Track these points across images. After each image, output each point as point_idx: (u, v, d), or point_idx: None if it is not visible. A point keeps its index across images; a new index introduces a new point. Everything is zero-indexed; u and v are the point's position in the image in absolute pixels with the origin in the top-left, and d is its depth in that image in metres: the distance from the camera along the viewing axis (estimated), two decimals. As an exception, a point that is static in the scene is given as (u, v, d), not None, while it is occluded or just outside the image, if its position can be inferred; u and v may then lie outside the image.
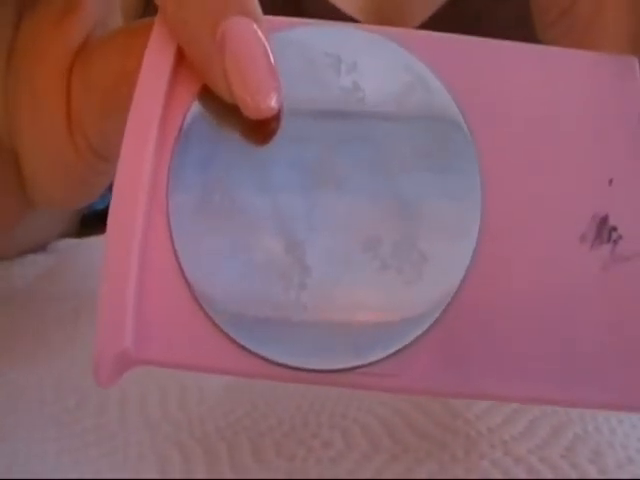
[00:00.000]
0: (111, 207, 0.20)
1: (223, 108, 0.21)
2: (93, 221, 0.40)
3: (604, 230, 0.21)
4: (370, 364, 0.19)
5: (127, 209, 0.19)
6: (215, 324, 0.19)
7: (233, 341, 0.19)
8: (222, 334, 0.19)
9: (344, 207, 0.20)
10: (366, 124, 0.21)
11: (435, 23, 0.51)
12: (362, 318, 0.19)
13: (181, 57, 0.21)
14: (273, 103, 0.20)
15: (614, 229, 0.21)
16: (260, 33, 0.20)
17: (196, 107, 0.21)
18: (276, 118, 0.21)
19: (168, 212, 0.20)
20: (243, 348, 0.19)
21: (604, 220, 0.21)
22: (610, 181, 0.21)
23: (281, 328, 0.19)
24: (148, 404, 0.26)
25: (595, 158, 0.21)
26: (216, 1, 0.20)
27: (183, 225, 0.20)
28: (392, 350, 0.19)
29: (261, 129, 0.21)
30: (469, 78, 0.22)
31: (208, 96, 0.21)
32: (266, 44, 0.20)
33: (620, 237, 0.20)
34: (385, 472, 0.22)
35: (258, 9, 0.21)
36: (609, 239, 0.20)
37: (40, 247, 0.38)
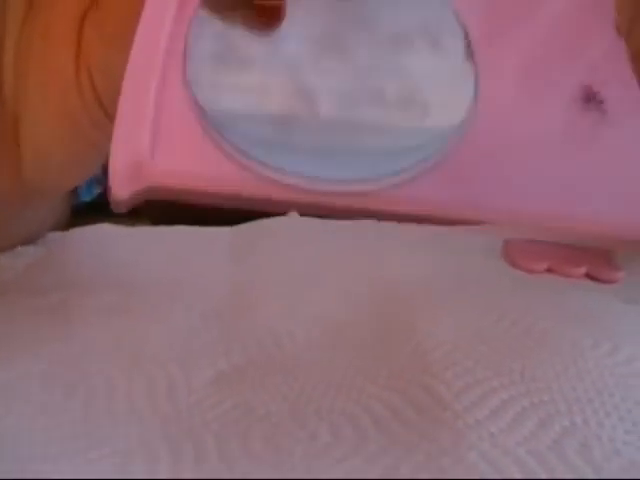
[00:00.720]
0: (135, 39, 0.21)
1: None
2: (81, 213, 0.40)
3: (590, 96, 0.22)
4: (379, 187, 0.20)
5: (149, 45, 0.21)
6: (225, 142, 0.20)
7: (242, 157, 0.20)
8: (232, 153, 0.20)
9: (349, 68, 0.21)
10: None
11: None
12: (370, 143, 0.21)
13: None
14: None
15: (598, 94, 0.22)
16: None
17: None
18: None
19: (185, 56, 0.21)
20: (251, 168, 0.20)
21: (589, 88, 0.22)
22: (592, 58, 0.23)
23: (292, 146, 0.21)
24: (135, 395, 0.26)
25: (579, 37, 0.23)
26: None
27: (199, 68, 0.21)
28: (400, 173, 0.20)
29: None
30: None
31: None
32: None
33: (602, 101, 0.22)
34: (372, 464, 0.22)
35: None
36: (597, 107, 0.22)
37: (32, 240, 0.38)
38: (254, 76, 0.21)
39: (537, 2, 0.23)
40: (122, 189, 0.20)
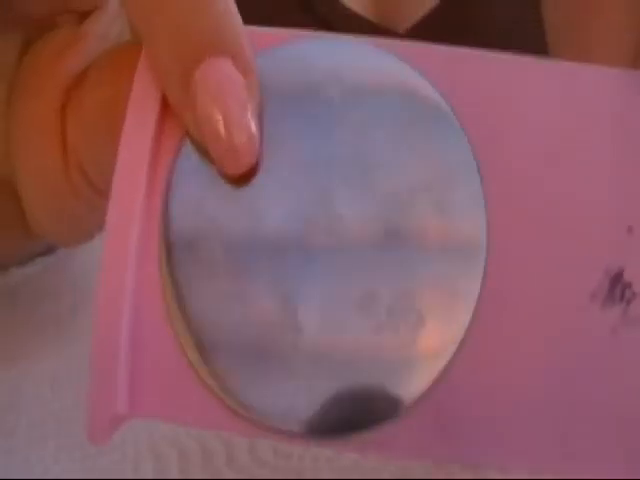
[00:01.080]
0: (104, 250, 0.19)
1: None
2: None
3: (617, 287, 0.18)
4: (362, 432, 0.18)
5: (119, 250, 0.19)
6: (209, 386, 0.18)
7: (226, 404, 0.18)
8: (215, 397, 0.18)
9: (341, 259, 0.19)
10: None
11: (426, 27, 0.50)
12: (353, 384, 0.18)
13: None
14: (245, 162, 0.19)
15: (628, 286, 0.18)
16: (237, 78, 0.19)
17: (185, 147, 0.20)
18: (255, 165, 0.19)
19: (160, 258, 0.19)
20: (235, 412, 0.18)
21: (618, 275, 0.18)
22: (629, 229, 0.19)
23: (271, 387, 0.18)
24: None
25: (614, 200, 0.19)
26: (186, 45, 0.19)
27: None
28: (383, 420, 0.18)
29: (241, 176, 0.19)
30: (476, 102, 0.19)
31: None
32: (244, 91, 0.19)
33: (634, 295, 0.18)
34: (382, 470, 0.23)
35: (237, 40, 0.19)
36: (622, 298, 0.18)
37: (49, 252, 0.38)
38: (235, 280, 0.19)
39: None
40: (99, 438, 0.19)
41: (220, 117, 0.19)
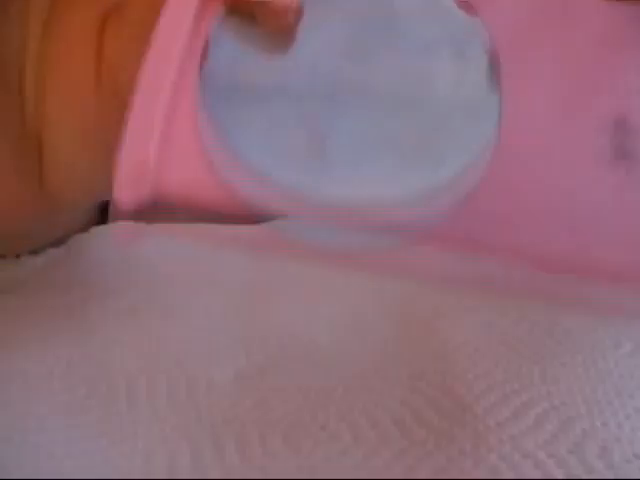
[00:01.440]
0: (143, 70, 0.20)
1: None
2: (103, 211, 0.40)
3: (621, 134, 0.20)
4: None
5: (159, 71, 0.20)
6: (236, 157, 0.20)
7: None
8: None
9: (365, 111, 0.20)
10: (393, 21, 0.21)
11: None
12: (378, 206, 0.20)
13: None
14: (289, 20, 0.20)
15: (633, 130, 0.20)
16: None
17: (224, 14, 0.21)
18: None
19: (200, 79, 0.20)
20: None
21: (622, 121, 0.20)
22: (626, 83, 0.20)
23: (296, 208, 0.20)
24: (157, 394, 0.26)
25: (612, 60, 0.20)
26: None
27: (212, 98, 0.20)
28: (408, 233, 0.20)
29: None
30: None
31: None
32: None
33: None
34: (393, 465, 0.23)
35: None
36: (626, 153, 0.20)
37: (59, 243, 0.38)
38: (267, 112, 0.20)
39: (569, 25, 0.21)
40: (125, 195, 0.19)
41: None
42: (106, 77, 0.25)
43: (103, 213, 0.40)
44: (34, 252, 0.35)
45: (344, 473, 0.22)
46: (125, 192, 0.19)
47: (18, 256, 0.35)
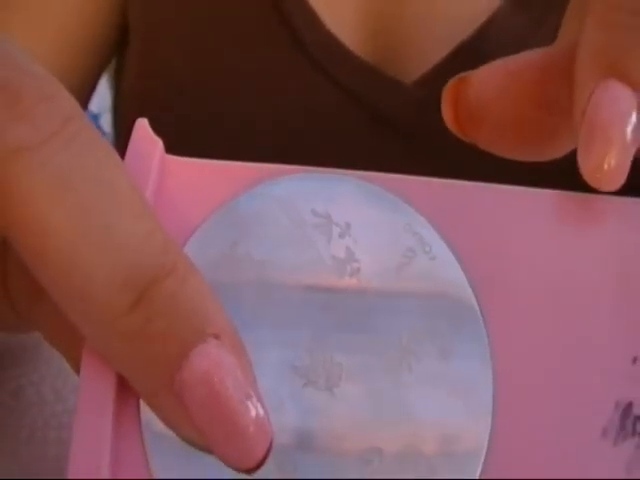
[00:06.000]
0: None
1: None
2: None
3: (628, 420, 0.18)
4: None
5: None
6: None
7: None
8: None
9: (338, 416, 0.17)
10: (362, 304, 0.18)
11: (452, 64, 0.47)
12: None
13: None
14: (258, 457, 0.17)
15: (639, 419, 0.18)
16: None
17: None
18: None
19: None
20: None
21: (628, 408, 0.18)
22: (634, 359, 0.18)
23: None
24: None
25: (617, 330, 0.18)
26: (168, 346, 0.16)
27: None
28: None
29: None
30: (476, 236, 0.19)
31: None
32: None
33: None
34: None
35: (223, 319, 0.17)
36: (634, 431, 0.18)
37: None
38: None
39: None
40: None
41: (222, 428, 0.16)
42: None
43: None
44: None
45: None
46: None
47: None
